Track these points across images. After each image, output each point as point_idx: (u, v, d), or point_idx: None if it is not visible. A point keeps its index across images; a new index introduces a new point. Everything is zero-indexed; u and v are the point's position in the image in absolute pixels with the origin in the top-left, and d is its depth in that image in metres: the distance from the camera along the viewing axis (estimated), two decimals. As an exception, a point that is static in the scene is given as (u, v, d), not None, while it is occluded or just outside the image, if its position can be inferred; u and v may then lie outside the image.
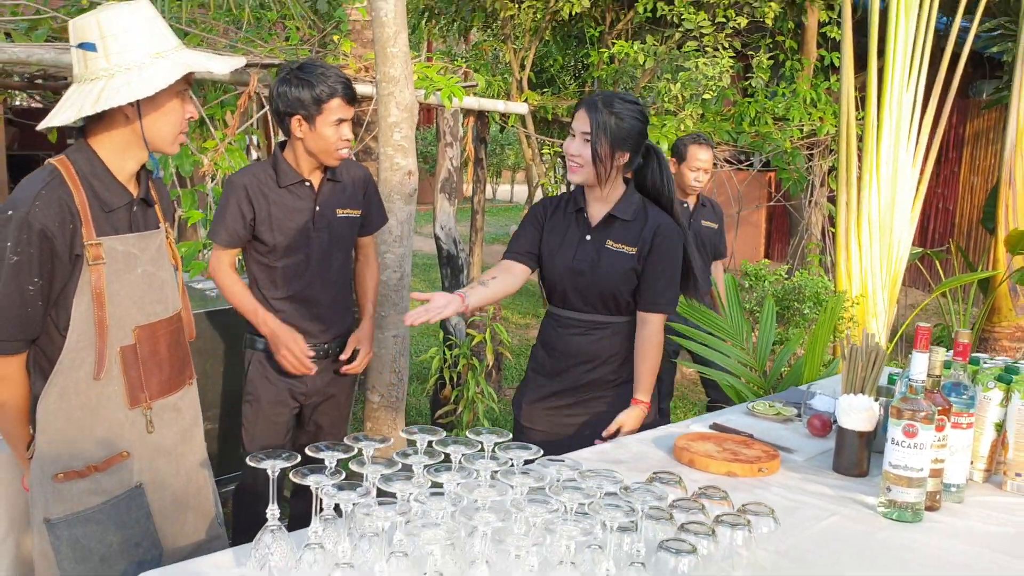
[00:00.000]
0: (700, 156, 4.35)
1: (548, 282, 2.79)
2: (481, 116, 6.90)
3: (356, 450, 1.71)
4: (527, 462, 1.77)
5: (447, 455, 1.75)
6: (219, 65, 1.96)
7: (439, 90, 4.26)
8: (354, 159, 3.04)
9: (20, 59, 3.54)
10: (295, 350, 2.88)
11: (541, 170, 7.11)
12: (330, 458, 1.67)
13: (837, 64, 7.08)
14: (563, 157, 9.21)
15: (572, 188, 2.83)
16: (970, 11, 6.40)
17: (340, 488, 1.56)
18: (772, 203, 8.85)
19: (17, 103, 12.77)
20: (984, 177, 10.36)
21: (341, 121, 2.79)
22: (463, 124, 4.93)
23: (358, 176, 3.04)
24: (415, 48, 7.06)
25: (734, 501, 1.92)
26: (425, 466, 1.69)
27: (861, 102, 6.16)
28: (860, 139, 5.91)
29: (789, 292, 4.93)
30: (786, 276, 5.30)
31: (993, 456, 2.31)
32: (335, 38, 4.67)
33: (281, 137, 2.98)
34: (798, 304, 4.79)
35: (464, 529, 1.57)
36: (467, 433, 1.82)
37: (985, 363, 2.65)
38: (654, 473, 1.96)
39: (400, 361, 3.73)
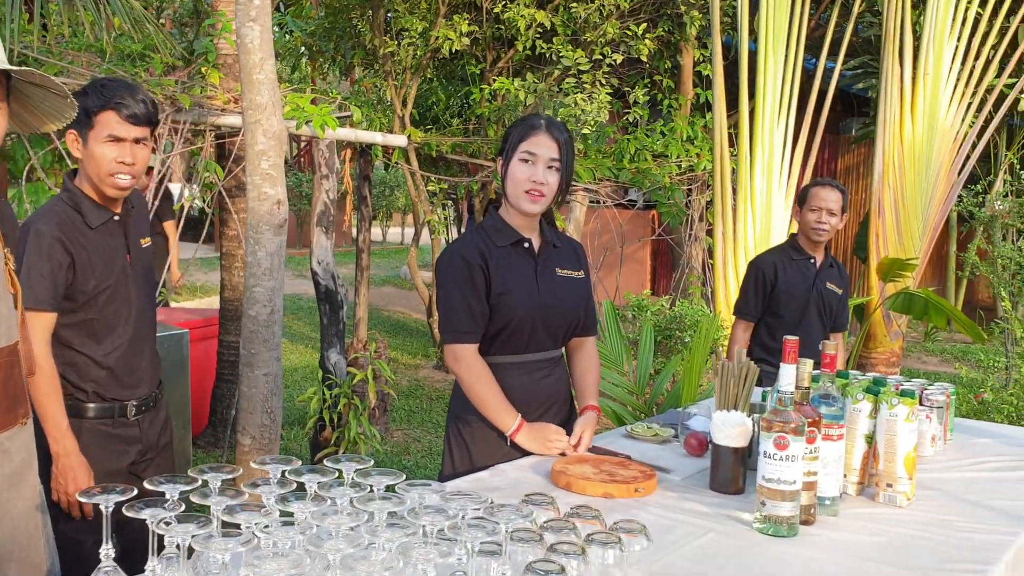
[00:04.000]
0: (822, 195, 3.76)
1: (507, 326, 2.52)
2: (364, 153, 6.82)
3: (200, 482, 1.58)
4: (389, 488, 1.67)
5: (301, 484, 1.64)
6: None
7: (310, 120, 4.17)
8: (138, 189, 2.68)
9: None
10: (81, 487, 2.39)
11: (427, 208, 7.05)
12: (171, 490, 1.54)
13: (712, 102, 7.29)
14: (452, 196, 9.07)
15: (475, 224, 2.72)
16: (835, 52, 6.71)
17: (178, 521, 1.43)
18: (654, 238, 9.02)
19: None
20: (856, 210, 10.80)
21: (116, 139, 2.42)
22: (340, 157, 4.83)
23: (140, 199, 2.73)
24: (294, 83, 6.95)
25: (610, 522, 1.86)
26: (277, 496, 1.58)
27: (736, 138, 6.34)
28: (735, 174, 6.08)
29: (671, 322, 4.98)
30: (668, 307, 5.37)
31: (865, 469, 2.32)
32: (203, 70, 4.53)
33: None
34: (679, 333, 4.84)
35: (319, 561, 1.46)
36: (325, 462, 1.71)
37: (856, 378, 2.69)
38: (526, 496, 1.89)
39: (272, 401, 3.57)
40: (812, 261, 3.86)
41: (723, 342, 4.63)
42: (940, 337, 10.27)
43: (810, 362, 2.13)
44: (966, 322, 6.00)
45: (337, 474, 1.68)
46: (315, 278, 4.53)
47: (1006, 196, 8.23)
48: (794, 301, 3.78)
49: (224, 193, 4.84)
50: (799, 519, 2.04)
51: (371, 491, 1.62)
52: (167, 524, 1.42)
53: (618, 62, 6.46)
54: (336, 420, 4.50)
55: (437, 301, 2.63)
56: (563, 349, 2.73)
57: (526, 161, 2.49)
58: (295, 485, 1.65)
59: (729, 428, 2.30)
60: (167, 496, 1.53)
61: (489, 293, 2.51)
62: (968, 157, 7.07)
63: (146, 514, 1.44)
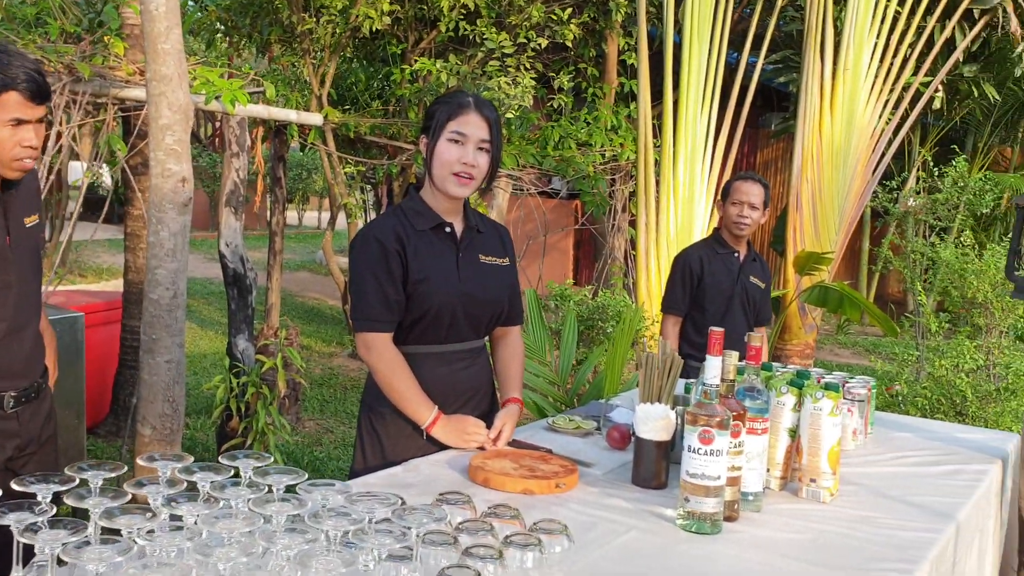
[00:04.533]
0: (744, 189, 3.71)
1: (425, 315, 2.37)
2: (279, 133, 6.58)
3: (78, 481, 1.43)
4: (289, 488, 1.54)
5: (193, 484, 1.49)
6: None
7: (220, 95, 3.96)
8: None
9: None
10: None
11: (343, 191, 6.85)
12: (43, 491, 1.38)
13: (636, 92, 7.26)
14: (370, 179, 8.88)
15: (394, 205, 2.57)
16: (757, 46, 6.74)
17: (48, 526, 1.27)
18: (578, 227, 8.97)
19: None
20: (774, 203, 10.94)
21: (20, 122, 2.21)
22: (252, 135, 4.62)
23: (30, 175, 2.45)
24: (209, 61, 6.63)
25: (530, 520, 1.76)
26: (164, 497, 1.43)
27: (659, 129, 6.32)
28: (658, 165, 6.05)
29: (593, 312, 4.92)
30: (591, 297, 5.31)
31: (788, 463, 2.28)
32: (106, 39, 4.27)
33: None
34: (602, 323, 4.77)
35: (208, 570, 1.32)
36: (220, 458, 1.56)
37: (778, 370, 2.65)
38: (440, 495, 1.77)
39: (174, 389, 3.38)
40: (736, 255, 3.81)
41: (644, 333, 4.58)
42: (852, 330, 10.51)
43: (735, 354, 2.06)
44: (880, 316, 6.10)
45: (233, 472, 1.54)
46: (223, 261, 4.32)
47: (919, 193, 8.42)
48: (719, 295, 3.74)
49: (128, 170, 4.59)
50: (723, 515, 1.98)
51: (269, 491, 1.49)
52: (34, 530, 1.27)
53: (543, 46, 6.36)
54: (244, 410, 4.31)
55: (349, 286, 2.49)
56: (486, 339, 2.62)
57: (455, 142, 2.35)
58: (187, 485, 1.51)
59: (652, 421, 2.23)
60: (39, 498, 1.38)
61: (406, 280, 2.37)
62: (884, 154, 7.20)
63: (10, 519, 1.29)
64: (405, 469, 2.26)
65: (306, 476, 1.53)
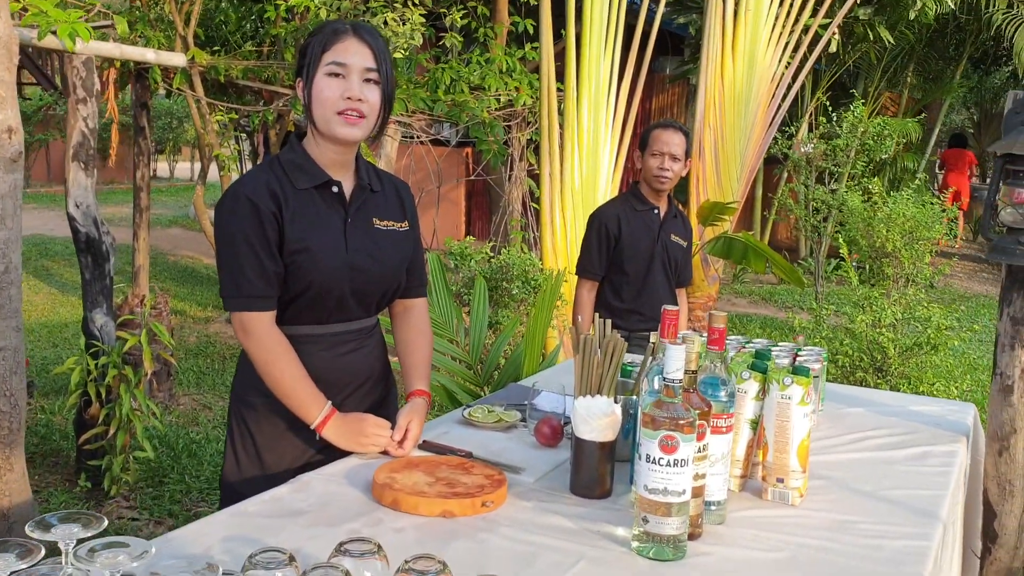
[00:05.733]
0: (664, 139, 3.35)
1: (305, 292, 1.99)
2: (141, 78, 5.89)
3: None
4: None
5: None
6: None
7: (56, 29, 3.34)
8: None
9: None
10: None
11: (214, 140, 6.21)
12: None
13: (531, 31, 6.83)
14: (245, 128, 8.19)
15: (271, 157, 2.10)
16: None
17: None
18: (473, 178, 8.53)
19: None
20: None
21: None
22: (103, 77, 4.00)
23: None
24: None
25: (454, 559, 1.36)
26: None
27: (561, 73, 5.91)
28: (561, 112, 5.67)
29: (496, 271, 4.53)
30: (492, 254, 4.91)
31: (749, 458, 1.95)
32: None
33: None
34: (506, 284, 4.39)
35: None
36: (28, 529, 1.11)
37: (728, 347, 2.32)
38: (340, 545, 1.35)
39: (12, 381, 2.84)
40: (656, 211, 3.49)
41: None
42: (747, 278, 10.44)
43: (697, 338, 1.71)
44: (787, 267, 5.92)
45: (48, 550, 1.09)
46: (73, 224, 3.72)
47: (814, 138, 8.30)
48: (639, 256, 3.42)
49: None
50: (687, 535, 1.63)
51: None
52: None
53: (434, -21, 5.84)
54: (106, 393, 3.76)
55: (217, 255, 2.03)
56: (378, 317, 2.20)
57: (335, 75, 1.92)
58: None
59: (594, 419, 1.86)
60: None
61: (282, 249, 1.95)
62: (784, 99, 7.01)
63: None
64: (293, 488, 1.84)
65: (152, 549, 1.09)
